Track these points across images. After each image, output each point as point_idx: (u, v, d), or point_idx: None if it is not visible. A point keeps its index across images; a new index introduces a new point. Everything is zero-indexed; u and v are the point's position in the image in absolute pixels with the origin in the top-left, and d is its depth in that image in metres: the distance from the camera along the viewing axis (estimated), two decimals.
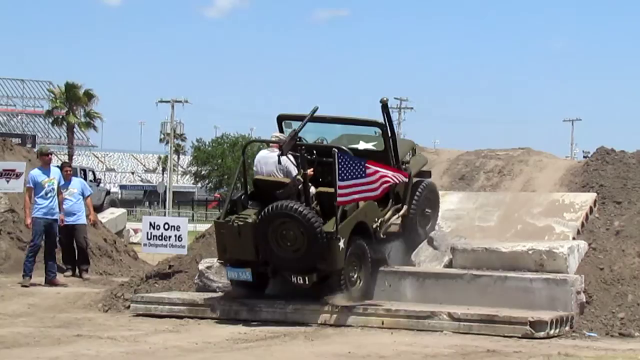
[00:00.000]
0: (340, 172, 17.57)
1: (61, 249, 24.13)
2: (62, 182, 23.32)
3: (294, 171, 18.37)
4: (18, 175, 25.57)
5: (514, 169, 22.26)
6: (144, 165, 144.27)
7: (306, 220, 17.54)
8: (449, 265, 18.66)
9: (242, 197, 18.82)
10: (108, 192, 63.98)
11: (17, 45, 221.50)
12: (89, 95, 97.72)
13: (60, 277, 23.15)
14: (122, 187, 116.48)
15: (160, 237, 21.07)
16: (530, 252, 17.92)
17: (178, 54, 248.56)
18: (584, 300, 17.32)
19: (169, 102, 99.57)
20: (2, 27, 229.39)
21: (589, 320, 17.06)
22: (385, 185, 17.86)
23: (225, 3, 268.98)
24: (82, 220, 24.60)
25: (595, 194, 20.27)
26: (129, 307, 18.72)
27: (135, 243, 23.53)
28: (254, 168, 19.10)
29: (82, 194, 24.69)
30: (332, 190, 17.62)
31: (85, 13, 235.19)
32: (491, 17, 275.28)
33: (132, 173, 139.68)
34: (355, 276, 18.33)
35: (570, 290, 17.14)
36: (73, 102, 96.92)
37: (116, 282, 22.15)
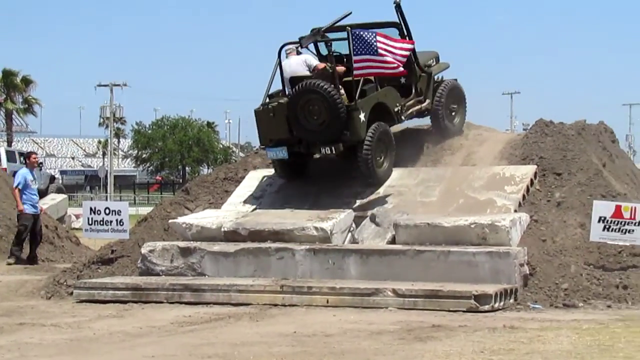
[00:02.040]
0: (354, 47, 20.26)
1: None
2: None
3: (315, 61, 21.71)
4: None
5: (453, 144, 22.26)
6: (84, 150, 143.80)
7: (327, 93, 20.21)
8: (392, 241, 18.70)
9: (279, 93, 21.77)
10: (53, 178, 63.46)
11: None
12: (26, 82, 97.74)
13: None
14: (62, 172, 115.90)
15: (101, 222, 20.99)
16: (472, 226, 17.98)
17: (116, 37, 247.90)
18: (527, 272, 17.40)
19: (107, 86, 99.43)
20: None
21: (533, 292, 17.16)
22: (400, 60, 20.63)
23: None
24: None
25: (535, 167, 20.34)
26: (72, 293, 18.63)
27: (76, 229, 23.46)
28: (284, 75, 21.63)
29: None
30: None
31: None
32: None
33: (73, 158, 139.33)
34: (382, 159, 21.23)
35: (513, 262, 17.20)
36: (11, 88, 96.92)
37: (58, 269, 22.03)
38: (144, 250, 19.41)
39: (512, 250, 17.43)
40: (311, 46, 22.29)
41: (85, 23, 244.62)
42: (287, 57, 21.90)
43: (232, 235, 19.29)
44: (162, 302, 17.52)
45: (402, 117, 22.16)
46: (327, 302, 16.83)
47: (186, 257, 19.02)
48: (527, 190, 19.66)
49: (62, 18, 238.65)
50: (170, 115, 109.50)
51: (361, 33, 20.33)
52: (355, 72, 20.68)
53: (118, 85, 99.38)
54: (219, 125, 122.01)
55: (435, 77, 23.33)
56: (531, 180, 19.90)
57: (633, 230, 17.55)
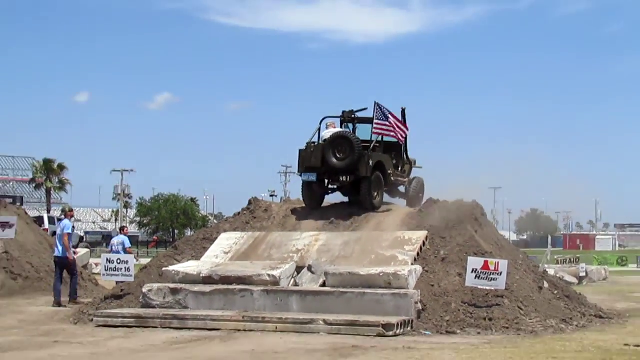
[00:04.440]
0: (376, 115, 22.53)
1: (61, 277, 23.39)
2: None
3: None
4: (11, 226, 25.30)
5: (368, 215, 22.35)
6: (102, 217, 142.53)
7: (353, 138, 22.13)
8: (324, 285, 18.68)
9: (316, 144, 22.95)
10: (82, 238, 63.52)
11: (9, 129, 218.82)
12: (61, 167, 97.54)
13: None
14: (86, 232, 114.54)
15: (114, 269, 20.92)
16: (381, 274, 18.02)
17: (128, 136, 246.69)
18: (420, 308, 17.45)
19: (119, 171, 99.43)
20: (3, 116, 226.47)
21: (424, 322, 17.19)
22: (401, 133, 23.07)
23: (162, 99, 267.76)
24: None
25: (426, 232, 20.43)
26: (92, 320, 18.47)
27: (96, 274, 23.38)
28: (321, 138, 23.09)
29: None
30: None
31: (60, 107, 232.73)
32: None
33: (94, 222, 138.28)
34: (376, 194, 22.80)
35: (410, 301, 17.27)
36: (49, 172, 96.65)
37: (83, 302, 21.86)
38: (144, 290, 19.31)
39: (410, 292, 17.49)
40: (337, 123, 23.82)
41: (107, 128, 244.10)
42: (327, 127, 23.30)
43: (208, 280, 19.21)
44: (157, 327, 17.41)
45: (391, 179, 23.57)
46: (276, 328, 16.78)
47: (175, 295, 18.93)
48: (421, 249, 19.73)
49: (89, 123, 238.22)
50: (164, 192, 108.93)
51: (381, 106, 22.53)
52: (374, 130, 22.82)
53: (127, 170, 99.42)
54: (199, 200, 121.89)
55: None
56: (423, 242, 19.98)
57: (496, 279, 17.68)
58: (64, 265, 23.12)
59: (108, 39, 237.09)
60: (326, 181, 23.19)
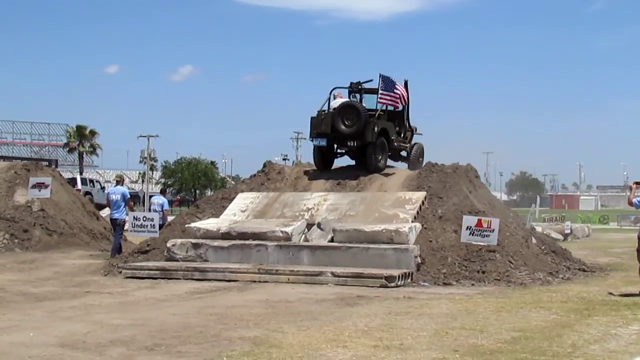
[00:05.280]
0: (381, 85, 22.19)
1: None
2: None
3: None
4: (47, 186, 25.24)
5: (372, 177, 22.31)
6: (130, 178, 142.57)
7: (360, 108, 22.21)
8: (331, 240, 18.67)
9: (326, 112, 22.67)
10: None
11: (45, 98, 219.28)
12: (92, 133, 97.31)
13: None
14: None
15: (141, 226, 20.91)
16: (383, 231, 18.00)
17: (153, 105, 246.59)
18: (420, 261, 17.45)
19: (145, 136, 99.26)
20: (37, 87, 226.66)
21: (423, 275, 17.20)
22: (398, 102, 22.82)
23: (185, 71, 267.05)
24: None
25: (425, 192, 20.40)
26: (121, 272, 18.46)
27: (125, 230, 23.46)
28: (332, 109, 22.64)
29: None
30: None
31: (92, 78, 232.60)
32: None
33: None
34: (380, 157, 22.78)
35: (410, 255, 17.25)
36: (82, 137, 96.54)
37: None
38: (168, 245, 19.31)
39: (410, 247, 17.47)
40: (345, 93, 23.61)
41: (135, 96, 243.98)
42: (334, 98, 23.04)
43: (226, 235, 19.23)
44: (180, 279, 17.40)
45: (394, 144, 23.51)
46: (288, 280, 16.77)
47: (196, 249, 18.93)
48: (420, 208, 19.71)
49: (119, 91, 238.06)
50: (186, 156, 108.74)
51: (385, 78, 22.27)
52: (379, 100, 22.52)
53: (152, 136, 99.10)
54: (218, 163, 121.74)
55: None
56: (422, 201, 19.96)
57: (489, 235, 17.63)
58: (122, 224, 23.17)
59: (135, 16, 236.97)
60: (335, 146, 23.15)
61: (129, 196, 23.44)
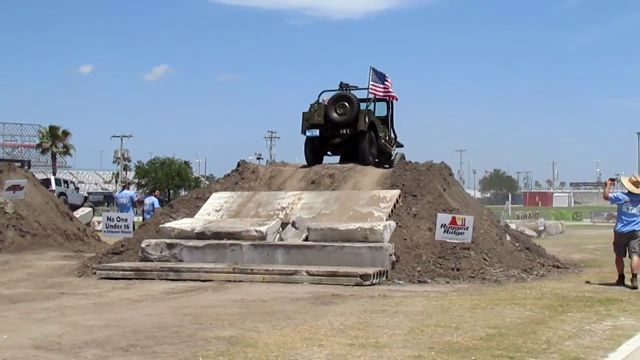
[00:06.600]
0: (372, 76, 23.35)
1: None
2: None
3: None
4: (21, 188, 25.12)
5: (346, 176, 22.33)
6: (103, 179, 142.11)
7: (353, 97, 23.03)
8: (306, 239, 18.68)
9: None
10: (86, 198, 63.97)
11: (18, 99, 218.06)
12: (65, 133, 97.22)
13: None
14: (89, 193, 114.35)
15: (114, 226, 20.78)
16: (358, 229, 18.03)
17: (127, 105, 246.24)
18: (394, 259, 17.48)
19: (119, 136, 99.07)
20: (9, 87, 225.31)
21: (398, 273, 17.23)
22: (390, 94, 24.18)
23: (159, 70, 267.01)
24: None
25: (399, 191, 20.44)
26: (95, 273, 18.39)
27: (98, 230, 23.38)
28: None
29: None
30: None
31: (66, 78, 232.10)
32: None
33: (96, 184, 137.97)
34: (371, 149, 23.53)
35: (385, 253, 17.29)
36: (55, 138, 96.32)
37: (86, 257, 21.81)
38: (142, 245, 19.26)
39: (384, 245, 17.51)
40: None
41: (109, 97, 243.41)
42: (323, 101, 23.57)
43: (201, 235, 19.20)
44: (154, 279, 17.36)
45: (381, 142, 24.25)
46: (263, 279, 16.76)
47: (170, 249, 18.90)
48: (394, 206, 19.76)
49: (94, 92, 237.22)
50: (160, 156, 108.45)
51: (376, 70, 23.58)
52: (370, 90, 23.70)
53: (126, 136, 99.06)
54: (192, 162, 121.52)
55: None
56: (397, 199, 20.01)
57: (463, 233, 17.69)
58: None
59: (110, 16, 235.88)
60: (326, 140, 23.70)
61: (135, 198, 24.35)
